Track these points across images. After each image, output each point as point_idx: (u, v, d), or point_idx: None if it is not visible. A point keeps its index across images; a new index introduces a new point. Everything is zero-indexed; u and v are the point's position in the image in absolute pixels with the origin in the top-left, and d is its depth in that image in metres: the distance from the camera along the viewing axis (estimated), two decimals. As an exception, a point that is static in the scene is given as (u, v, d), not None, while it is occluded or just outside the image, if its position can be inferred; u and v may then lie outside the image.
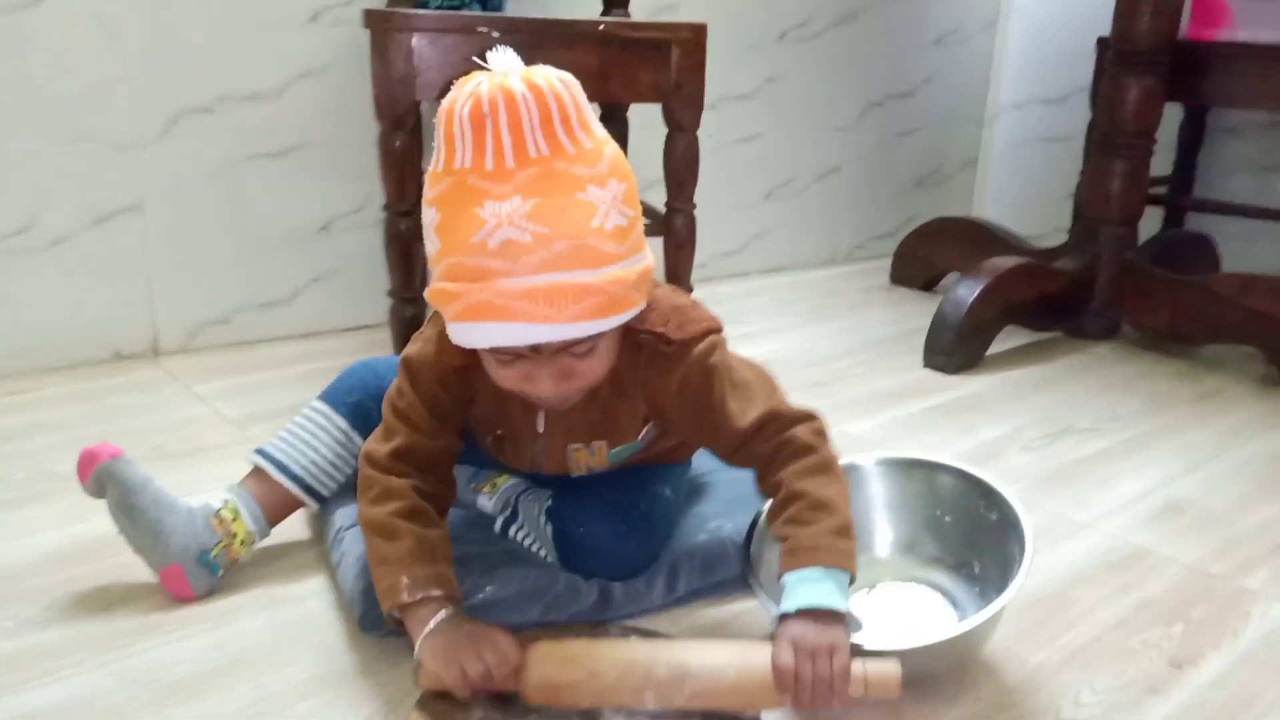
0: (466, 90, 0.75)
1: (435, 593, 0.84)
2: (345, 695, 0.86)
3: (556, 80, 0.76)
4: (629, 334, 0.87)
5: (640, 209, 0.83)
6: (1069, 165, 2.13)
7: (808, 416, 0.90)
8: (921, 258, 2.38)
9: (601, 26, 1.49)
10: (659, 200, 1.67)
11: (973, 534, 1.01)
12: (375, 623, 0.91)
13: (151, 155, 1.62)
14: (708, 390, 0.89)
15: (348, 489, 1.06)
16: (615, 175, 0.78)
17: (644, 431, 0.97)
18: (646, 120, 1.59)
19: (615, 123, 1.92)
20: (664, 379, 0.90)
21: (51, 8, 1.50)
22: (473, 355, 0.86)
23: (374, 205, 1.83)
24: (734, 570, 1.03)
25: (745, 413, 0.88)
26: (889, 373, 1.79)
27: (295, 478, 1.04)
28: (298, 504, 1.05)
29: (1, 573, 1.02)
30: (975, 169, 2.87)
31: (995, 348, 1.89)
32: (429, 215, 0.79)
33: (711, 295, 2.21)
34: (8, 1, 1.46)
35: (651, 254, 0.83)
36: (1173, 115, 2.39)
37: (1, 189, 1.51)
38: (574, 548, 0.99)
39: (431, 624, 0.83)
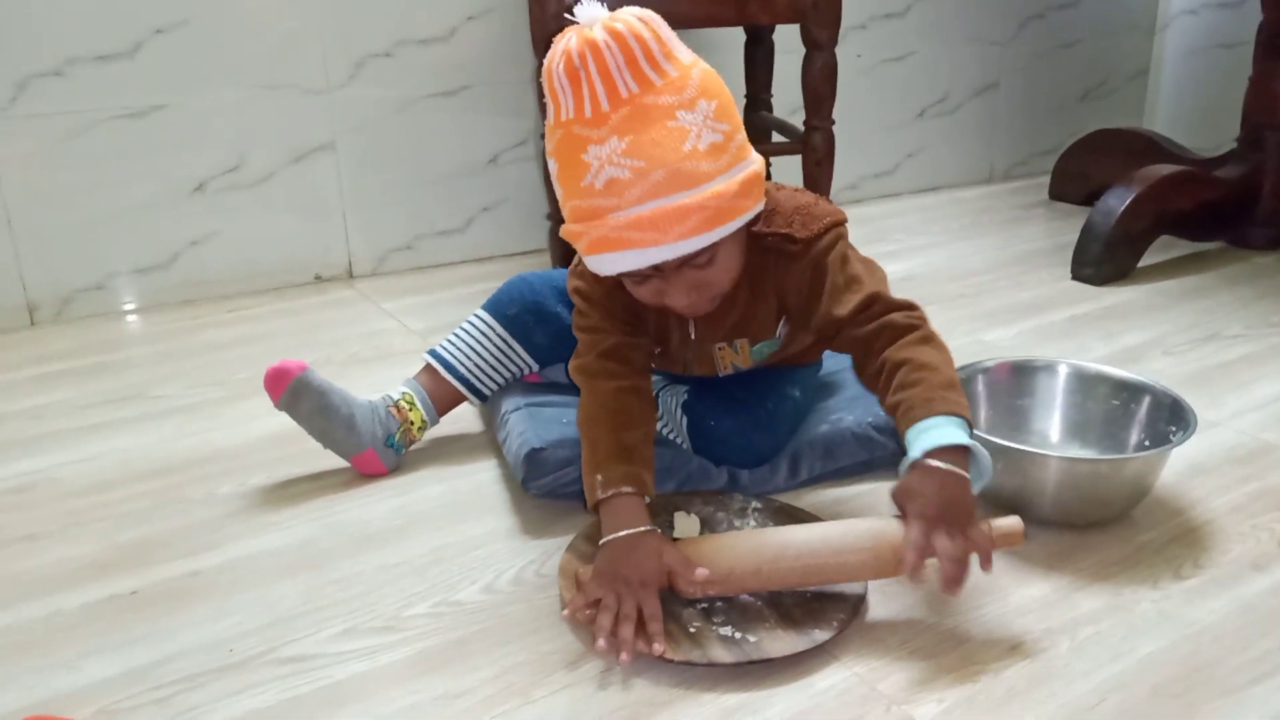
0: (560, 48, 0.82)
1: (625, 489, 0.90)
2: (510, 547, 1.01)
3: (636, 20, 0.82)
4: (756, 239, 0.95)
5: (738, 121, 0.87)
6: (1247, 72, 2.04)
7: (908, 305, 0.94)
8: (1080, 172, 2.34)
9: (739, -47, 1.55)
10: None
11: (1122, 420, 1.13)
12: (536, 485, 1.05)
13: (340, 98, 1.81)
14: (821, 279, 0.95)
15: (509, 387, 1.21)
16: (704, 95, 0.83)
17: (780, 328, 1.05)
18: (793, 43, 1.64)
19: (760, 45, 1.98)
20: (792, 275, 0.97)
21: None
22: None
23: (535, 138, 1.97)
24: (852, 457, 1.12)
25: (850, 301, 0.94)
26: (1035, 285, 1.80)
27: (460, 376, 1.18)
28: (461, 399, 1.20)
29: (229, 451, 1.22)
30: (1146, 80, 2.77)
31: (1150, 259, 1.87)
32: (551, 166, 0.86)
33: (859, 216, 2.25)
34: (216, -34, 1.65)
35: (759, 158, 0.89)
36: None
37: (214, 134, 1.73)
38: (705, 438, 1.09)
39: (619, 535, 0.88)
